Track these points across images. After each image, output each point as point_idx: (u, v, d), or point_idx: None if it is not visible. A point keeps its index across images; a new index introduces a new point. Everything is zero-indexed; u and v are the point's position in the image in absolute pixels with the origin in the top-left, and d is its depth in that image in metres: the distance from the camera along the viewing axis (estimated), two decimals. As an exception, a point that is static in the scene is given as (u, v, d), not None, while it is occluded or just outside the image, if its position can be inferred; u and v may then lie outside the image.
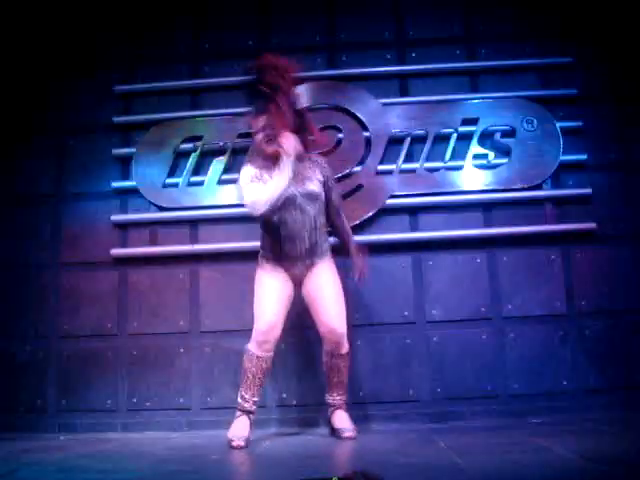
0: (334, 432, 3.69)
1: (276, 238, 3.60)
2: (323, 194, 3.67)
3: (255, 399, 3.55)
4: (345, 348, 3.64)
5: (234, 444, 3.37)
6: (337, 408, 3.72)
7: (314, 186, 3.62)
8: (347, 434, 3.58)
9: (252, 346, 3.53)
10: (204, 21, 4.88)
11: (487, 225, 4.42)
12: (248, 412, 3.54)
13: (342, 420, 3.68)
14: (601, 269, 4.36)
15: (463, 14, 4.77)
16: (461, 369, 4.25)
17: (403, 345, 4.30)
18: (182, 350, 4.40)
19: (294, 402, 4.27)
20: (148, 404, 4.35)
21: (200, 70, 4.82)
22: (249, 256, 3.91)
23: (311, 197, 3.59)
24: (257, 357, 3.52)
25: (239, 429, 3.47)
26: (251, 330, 3.56)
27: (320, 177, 3.68)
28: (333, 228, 3.84)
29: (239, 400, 3.55)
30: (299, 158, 3.54)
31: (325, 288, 3.63)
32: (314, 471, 2.75)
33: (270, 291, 3.59)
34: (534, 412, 4.07)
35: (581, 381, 4.20)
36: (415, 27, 4.76)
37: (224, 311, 4.37)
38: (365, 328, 4.32)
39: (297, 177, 3.55)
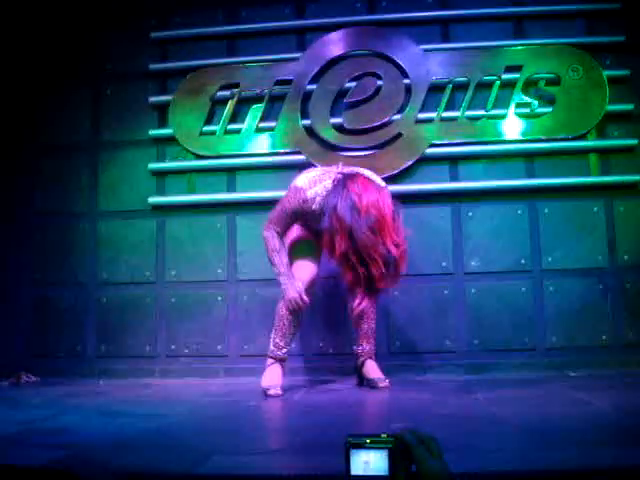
0: (365, 382, 3.66)
1: None
2: None
3: (288, 347, 3.53)
4: None
5: (271, 393, 3.35)
6: (367, 358, 3.66)
7: None
8: (383, 384, 3.54)
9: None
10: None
11: (529, 176, 4.32)
12: (281, 360, 3.51)
13: (374, 370, 3.63)
14: (645, 222, 4.26)
15: (508, -43, 4.59)
16: (499, 321, 4.20)
17: (441, 296, 4.27)
18: (220, 298, 4.43)
19: (330, 350, 4.28)
20: (186, 351, 4.40)
21: (237, 15, 4.72)
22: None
23: None
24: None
25: (274, 378, 3.45)
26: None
27: None
28: None
29: (272, 347, 3.52)
30: None
31: None
32: (354, 419, 2.79)
33: (307, 243, 3.62)
34: (572, 366, 4.03)
35: (621, 335, 4.13)
36: (458, -30, 4.60)
37: (261, 259, 4.31)
38: (402, 278, 4.28)
39: None
